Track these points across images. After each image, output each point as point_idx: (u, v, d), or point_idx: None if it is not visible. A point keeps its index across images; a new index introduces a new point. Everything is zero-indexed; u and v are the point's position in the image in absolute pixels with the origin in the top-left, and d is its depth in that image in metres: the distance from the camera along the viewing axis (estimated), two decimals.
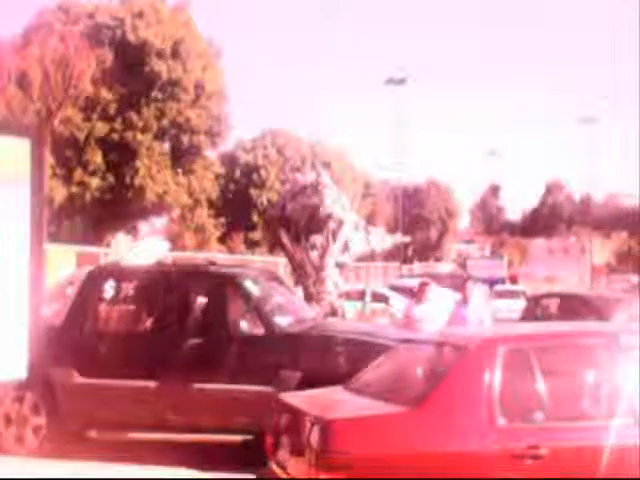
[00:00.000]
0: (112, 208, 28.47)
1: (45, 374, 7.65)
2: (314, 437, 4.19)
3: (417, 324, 10.25)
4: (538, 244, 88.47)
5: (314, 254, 13.24)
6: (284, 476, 4.62)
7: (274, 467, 4.84)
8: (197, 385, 7.60)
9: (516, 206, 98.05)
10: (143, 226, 31.43)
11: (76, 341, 8.01)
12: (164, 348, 7.85)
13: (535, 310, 12.04)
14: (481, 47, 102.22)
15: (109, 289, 8.21)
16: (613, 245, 77.47)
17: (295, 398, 5.26)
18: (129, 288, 8.21)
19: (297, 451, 4.46)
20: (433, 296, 10.90)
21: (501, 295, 28.50)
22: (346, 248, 14.72)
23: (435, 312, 10.45)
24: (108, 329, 8.19)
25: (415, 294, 10.53)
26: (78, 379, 7.80)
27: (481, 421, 4.14)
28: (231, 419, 7.55)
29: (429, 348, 5.01)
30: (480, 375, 4.26)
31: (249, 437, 7.65)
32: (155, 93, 28.63)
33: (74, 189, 27.68)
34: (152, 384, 7.65)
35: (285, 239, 13.25)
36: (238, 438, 7.64)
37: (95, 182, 27.85)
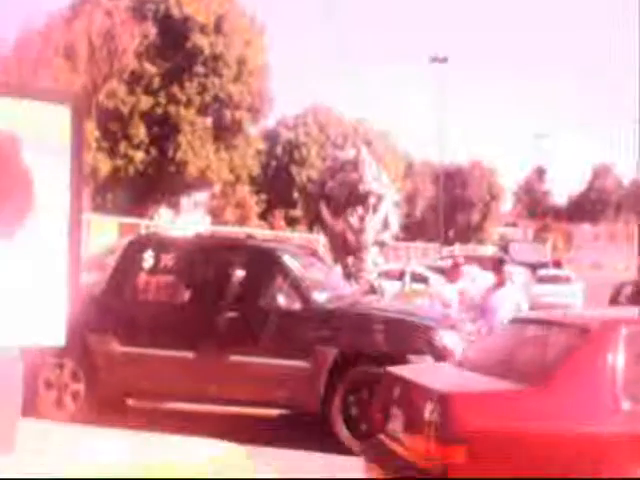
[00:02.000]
0: (155, 182, 28.71)
1: (84, 342, 7.73)
2: (434, 410, 4.19)
3: (448, 304, 10.11)
4: (584, 229, 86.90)
5: (353, 231, 13.17)
6: (398, 448, 4.62)
7: (384, 439, 4.84)
8: (234, 357, 7.60)
9: (562, 190, 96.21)
10: (185, 200, 31.62)
11: (116, 309, 8.07)
12: (202, 320, 7.86)
13: (617, 297, 11.64)
14: (532, 30, 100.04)
15: (149, 259, 8.23)
16: None
17: (408, 372, 5.30)
18: (168, 259, 8.21)
19: (412, 424, 4.48)
20: (466, 276, 10.70)
21: (544, 280, 27.87)
22: (386, 226, 14.62)
23: (467, 292, 10.27)
24: (147, 299, 8.21)
25: (448, 274, 10.35)
26: (117, 347, 7.85)
27: (605, 404, 4.15)
28: (267, 393, 7.54)
29: (542, 328, 4.99)
30: (604, 357, 4.26)
31: (284, 411, 7.65)
32: (198, 68, 28.65)
33: (119, 162, 27.96)
34: (190, 355, 7.68)
35: (325, 214, 13.18)
36: (274, 412, 7.63)
37: (139, 155, 28.08)
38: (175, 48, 28.58)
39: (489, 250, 54.59)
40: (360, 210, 13.05)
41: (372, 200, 13.06)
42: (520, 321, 5.60)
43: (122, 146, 27.91)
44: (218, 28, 28.80)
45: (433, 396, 4.27)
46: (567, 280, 28.89)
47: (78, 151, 6.31)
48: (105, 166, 27.23)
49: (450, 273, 10.18)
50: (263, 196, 43.44)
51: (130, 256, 8.27)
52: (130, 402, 8.02)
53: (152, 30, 28.42)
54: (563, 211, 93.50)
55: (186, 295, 8.12)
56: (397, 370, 5.28)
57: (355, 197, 12.83)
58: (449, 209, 60.53)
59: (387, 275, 17.34)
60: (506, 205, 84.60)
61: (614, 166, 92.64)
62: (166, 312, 8.06)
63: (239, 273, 8.36)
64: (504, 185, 78.56)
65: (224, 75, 29.03)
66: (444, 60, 43.86)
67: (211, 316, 7.84)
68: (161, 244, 8.46)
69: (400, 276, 20.34)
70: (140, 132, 27.97)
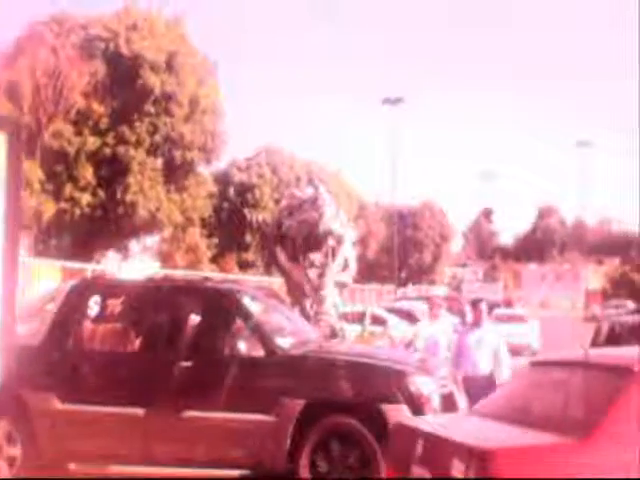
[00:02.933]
0: (102, 225, 27.68)
1: (20, 399, 6.89)
2: (471, 468, 3.72)
3: (423, 345, 9.54)
4: (531, 269, 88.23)
5: (312, 273, 12.52)
6: None
7: None
8: (190, 413, 6.86)
9: (508, 230, 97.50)
10: (134, 244, 30.63)
11: (56, 363, 7.26)
12: (153, 371, 7.12)
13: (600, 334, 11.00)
14: (477, 65, 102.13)
15: (94, 305, 7.47)
16: (606, 271, 77.10)
17: (428, 424, 4.82)
18: (116, 304, 7.48)
19: None
20: (443, 315, 10.18)
21: (500, 319, 27.60)
22: (346, 266, 14.03)
23: (441, 332, 9.74)
24: (92, 349, 7.43)
25: (429, 310, 9.77)
26: (57, 405, 7.04)
27: None
28: (227, 451, 6.80)
29: (571, 371, 4.51)
30: None
31: (246, 472, 6.90)
32: (148, 107, 27.95)
33: (63, 205, 26.88)
34: (140, 411, 6.92)
35: (282, 257, 12.52)
36: (234, 473, 6.88)
37: (85, 198, 27.06)
38: (125, 87, 27.86)
39: (441, 290, 54.85)
40: (319, 251, 12.43)
41: (331, 241, 12.45)
42: (542, 364, 5.15)
43: (68, 188, 26.89)
44: (169, 66, 28.22)
45: (470, 452, 3.78)
46: (522, 319, 28.67)
47: (14, 185, 5.56)
48: (49, 209, 26.14)
49: (431, 313, 9.63)
50: (215, 240, 42.55)
51: (73, 302, 7.50)
52: (73, 467, 7.16)
53: (101, 68, 27.68)
54: (510, 251, 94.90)
55: (136, 344, 7.38)
56: (415, 423, 4.73)
57: (314, 237, 12.20)
58: (401, 250, 60.50)
59: (346, 318, 16.73)
60: (456, 245, 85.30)
61: (558, 206, 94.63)
62: (113, 364, 7.30)
63: (195, 318, 7.66)
64: (454, 226, 79.43)
65: (176, 114, 28.38)
66: (397, 101, 44.19)
67: (164, 367, 7.10)
68: (108, 288, 7.71)
69: (359, 318, 19.76)
70: (87, 173, 27.02)
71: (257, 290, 8.48)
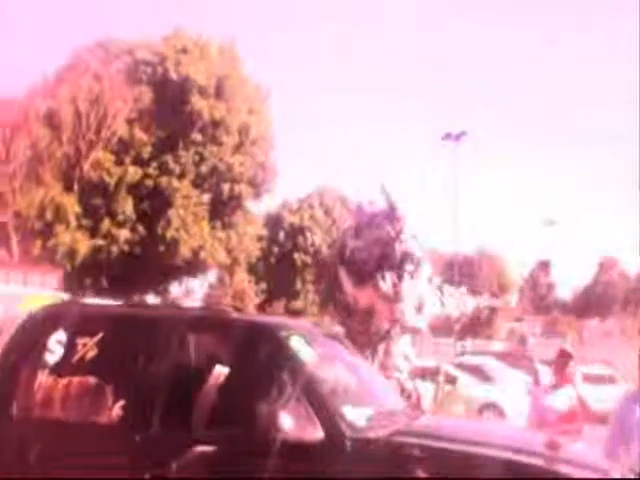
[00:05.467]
0: (141, 264, 25.28)
1: None
2: None
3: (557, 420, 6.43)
4: (592, 325, 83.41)
5: (387, 298, 9.58)
6: None
7: None
8: None
9: (566, 282, 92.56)
10: (175, 287, 28.13)
11: None
12: (146, 456, 4.30)
13: None
14: (544, 110, 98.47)
15: (56, 346, 4.71)
16: None
17: None
18: (90, 346, 4.70)
19: None
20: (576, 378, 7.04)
21: (588, 380, 23.88)
22: (421, 307, 11.01)
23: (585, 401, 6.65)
24: (47, 418, 4.62)
25: (555, 371, 6.62)
26: None
27: None
28: None
29: None
30: None
31: None
32: (195, 135, 25.74)
33: (100, 241, 24.62)
34: None
35: (345, 283, 9.64)
36: None
37: (124, 234, 24.79)
38: (171, 113, 25.79)
39: (497, 346, 51.51)
40: (393, 276, 9.50)
41: (409, 266, 9.52)
42: None
43: (105, 223, 24.65)
44: (219, 91, 26.07)
45: None
46: (612, 380, 24.68)
47: None
48: (84, 246, 23.91)
49: (557, 371, 6.48)
50: (263, 285, 40.14)
51: (24, 340, 4.76)
52: None
53: (146, 93, 25.69)
54: (568, 305, 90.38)
55: (117, 411, 4.54)
56: None
57: (389, 261, 9.29)
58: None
59: (416, 374, 13.60)
60: (513, 298, 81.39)
61: (620, 258, 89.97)
62: (81, 440, 4.50)
63: (214, 371, 4.83)
64: (513, 276, 75.83)
65: (224, 143, 26.07)
66: (459, 137, 41.08)
67: (163, 450, 4.29)
68: (81, 320, 4.91)
69: (429, 375, 16.62)
70: (127, 207, 24.79)
71: (313, 329, 5.57)
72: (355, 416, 4.26)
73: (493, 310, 71.16)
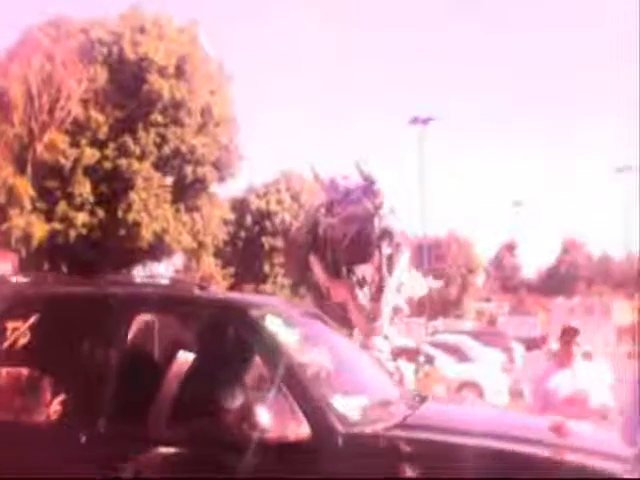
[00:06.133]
0: (101, 248, 24.19)
1: None
2: None
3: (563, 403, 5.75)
4: (558, 303, 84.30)
5: (362, 294, 8.85)
6: None
7: None
8: None
9: (532, 263, 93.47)
10: (139, 272, 27.07)
11: None
12: (93, 459, 3.54)
13: None
14: (514, 87, 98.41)
15: None
16: (637, 306, 73.06)
17: None
18: (22, 330, 3.89)
19: None
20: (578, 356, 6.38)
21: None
22: (400, 285, 10.32)
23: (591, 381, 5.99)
24: None
25: (561, 350, 5.93)
26: None
27: None
28: None
29: None
30: None
31: None
32: (155, 116, 24.61)
33: (57, 225, 23.48)
34: None
35: (317, 270, 8.87)
36: None
37: (81, 217, 23.64)
38: (129, 94, 24.61)
39: (467, 325, 51.91)
40: (371, 262, 8.75)
41: (388, 249, 8.77)
42: None
43: (61, 207, 23.51)
44: (180, 71, 24.94)
45: None
46: (587, 357, 24.15)
47: None
48: (40, 230, 22.76)
49: (563, 349, 5.80)
50: (231, 270, 39.39)
51: None
52: None
53: (101, 73, 24.48)
54: (534, 285, 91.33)
55: (55, 406, 3.75)
56: None
57: (365, 240, 8.52)
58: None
59: (398, 354, 12.98)
60: (479, 279, 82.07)
61: (584, 240, 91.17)
62: (13, 444, 3.71)
63: (177, 358, 4.06)
64: (481, 258, 76.28)
65: (186, 125, 25.02)
66: (426, 121, 40.57)
67: (114, 452, 3.53)
68: (10, 300, 4.08)
69: (408, 355, 16.06)
70: (84, 190, 23.64)
71: (289, 307, 4.80)
72: (346, 408, 3.53)
73: (462, 290, 71.60)
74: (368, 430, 3.42)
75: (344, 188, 8.95)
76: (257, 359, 3.72)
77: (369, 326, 8.72)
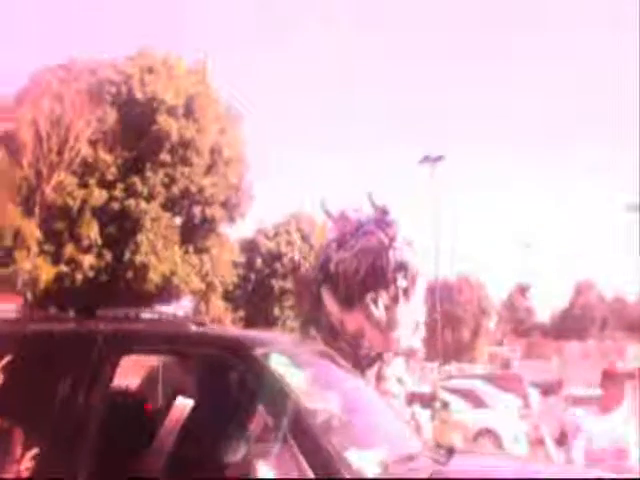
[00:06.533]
0: (108, 291, 23.77)
1: None
2: None
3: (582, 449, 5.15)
4: (572, 347, 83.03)
5: (378, 323, 8.33)
6: None
7: None
8: None
9: (545, 305, 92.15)
10: (146, 315, 26.56)
11: None
12: None
13: None
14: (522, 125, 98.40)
15: None
16: None
17: None
18: None
19: None
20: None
21: (580, 402, 22.58)
22: (416, 327, 9.77)
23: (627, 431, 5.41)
24: None
25: (605, 397, 5.32)
26: None
27: None
28: None
29: None
30: None
31: None
32: (164, 156, 24.42)
33: (64, 268, 23.12)
34: None
35: (329, 303, 8.37)
36: None
37: (88, 260, 23.29)
38: (137, 134, 24.47)
39: (480, 369, 50.83)
40: (386, 298, 8.24)
41: (403, 282, 8.27)
42: None
43: (69, 249, 23.17)
44: (189, 111, 24.81)
45: None
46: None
47: None
48: (47, 273, 22.40)
49: (608, 395, 5.21)
50: (240, 313, 38.85)
51: None
52: None
53: (110, 114, 24.39)
54: (547, 328, 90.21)
55: (28, 463, 3.23)
56: None
57: (379, 273, 8.04)
58: (437, 326, 56.59)
59: (413, 400, 12.36)
60: (492, 322, 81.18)
61: (597, 281, 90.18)
62: None
63: (175, 404, 3.57)
64: (493, 300, 75.36)
65: (195, 165, 24.78)
66: (437, 160, 40.14)
67: None
68: None
69: (423, 400, 15.42)
70: (91, 231, 23.33)
71: (297, 345, 4.28)
72: (362, 462, 3.01)
73: (474, 334, 70.58)
74: None
75: (356, 221, 8.50)
76: (260, 403, 3.21)
77: (384, 336, 8.15)
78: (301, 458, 2.90)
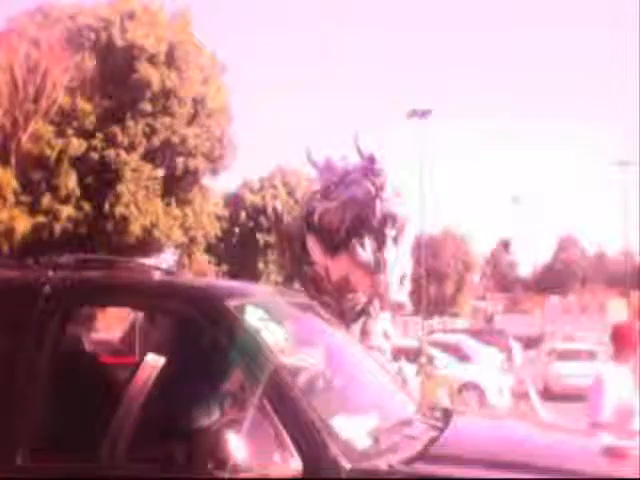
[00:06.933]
0: (87, 243, 23.23)
1: None
2: None
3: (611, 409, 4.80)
4: (553, 302, 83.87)
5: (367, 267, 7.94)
6: None
7: None
8: None
9: (528, 260, 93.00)
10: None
11: None
12: None
13: None
14: (513, 79, 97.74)
15: None
16: (632, 303, 72.66)
17: None
18: None
19: None
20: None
21: (565, 357, 22.47)
22: (403, 279, 9.38)
23: None
24: None
25: (616, 349, 4.97)
26: None
27: None
28: None
29: None
30: None
31: None
32: (144, 105, 23.66)
33: (41, 219, 22.51)
34: None
35: (313, 250, 7.96)
36: None
37: (67, 210, 22.68)
38: (117, 82, 23.66)
39: (463, 324, 51.54)
40: (373, 242, 7.83)
41: (392, 231, 7.86)
42: None
43: (46, 199, 22.54)
44: (170, 59, 23.98)
45: None
46: (591, 356, 22.94)
47: None
48: (24, 224, 21.79)
49: (619, 346, 4.87)
50: (224, 267, 38.59)
51: None
52: None
53: (89, 61, 23.53)
54: (530, 282, 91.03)
55: None
56: None
57: (366, 224, 7.63)
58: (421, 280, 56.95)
59: (398, 354, 12.06)
60: (475, 277, 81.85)
61: (580, 236, 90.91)
62: None
63: (144, 365, 3.12)
64: (478, 254, 75.81)
65: (177, 115, 24.04)
66: (424, 114, 39.49)
67: None
68: None
69: (408, 355, 15.17)
70: (69, 182, 22.68)
71: (277, 297, 3.82)
72: (352, 433, 2.59)
73: (457, 288, 70.95)
74: (381, 464, 2.49)
75: (342, 169, 8.04)
76: (233, 366, 2.78)
77: (371, 279, 7.78)
78: (280, 427, 2.48)
